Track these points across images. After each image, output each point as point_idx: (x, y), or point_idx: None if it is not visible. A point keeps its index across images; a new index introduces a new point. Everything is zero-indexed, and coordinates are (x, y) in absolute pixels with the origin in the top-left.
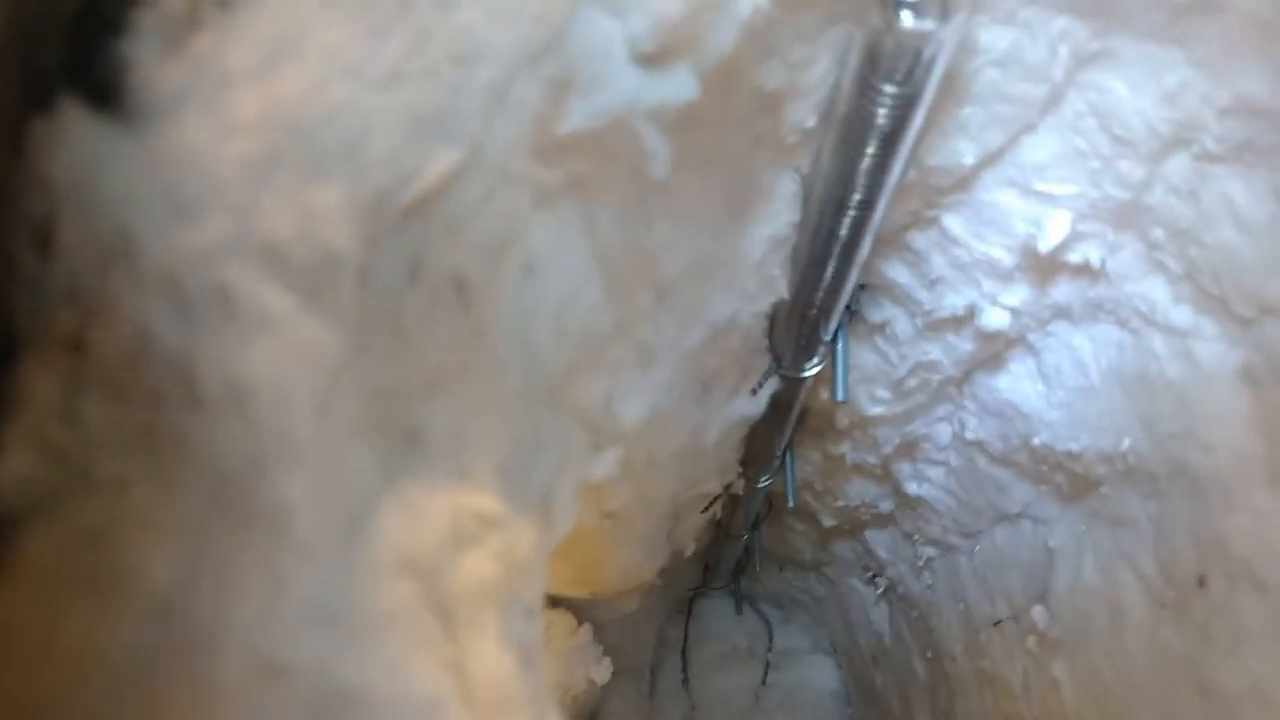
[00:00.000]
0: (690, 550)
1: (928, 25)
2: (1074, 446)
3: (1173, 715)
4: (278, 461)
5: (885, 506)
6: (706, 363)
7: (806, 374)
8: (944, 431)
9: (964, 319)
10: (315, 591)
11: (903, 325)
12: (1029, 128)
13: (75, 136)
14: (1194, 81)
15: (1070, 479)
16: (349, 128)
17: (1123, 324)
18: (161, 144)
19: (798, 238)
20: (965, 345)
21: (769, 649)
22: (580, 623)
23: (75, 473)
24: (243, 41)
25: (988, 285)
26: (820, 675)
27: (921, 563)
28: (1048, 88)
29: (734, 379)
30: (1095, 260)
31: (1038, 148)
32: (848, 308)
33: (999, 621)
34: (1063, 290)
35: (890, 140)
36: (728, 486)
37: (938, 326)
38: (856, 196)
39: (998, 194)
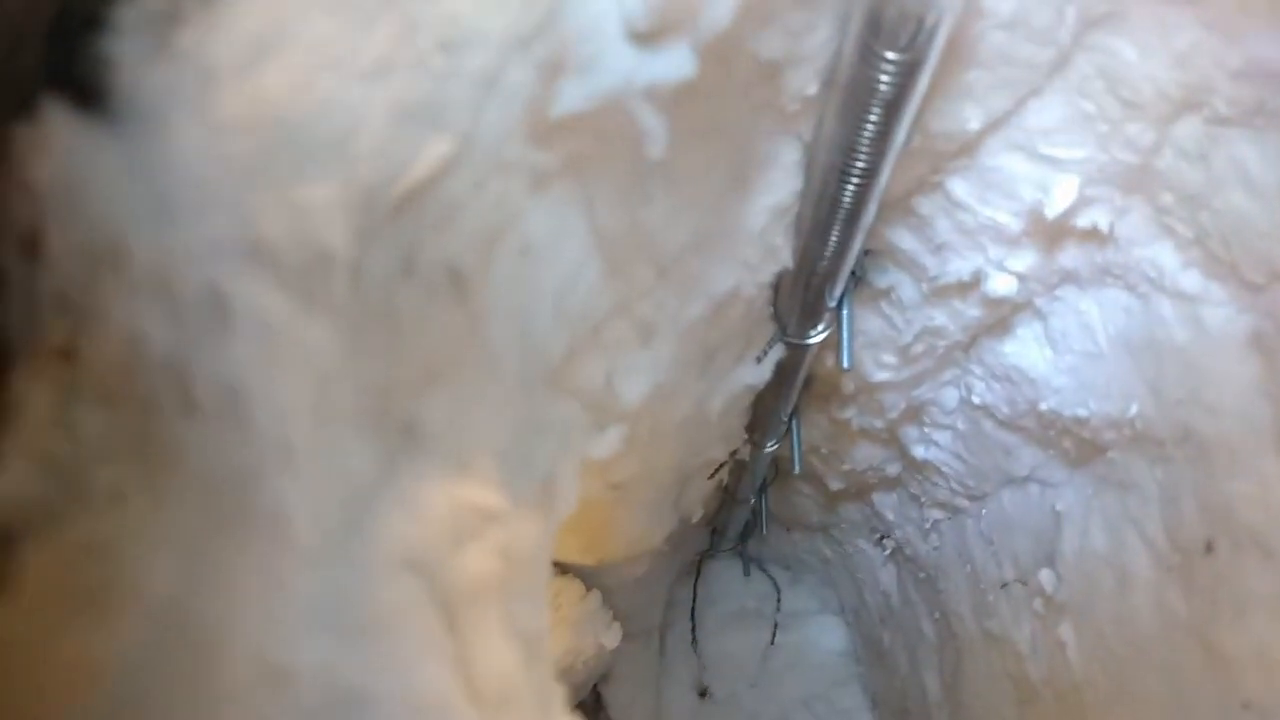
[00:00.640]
0: (697, 516)
1: None
2: (1081, 412)
3: (1177, 678)
4: (274, 465)
5: (892, 470)
6: (709, 335)
7: (811, 341)
8: (951, 396)
9: (970, 285)
10: (317, 593)
11: (908, 291)
12: (1035, 92)
13: (60, 140)
14: (1205, 43)
15: (1078, 444)
16: (338, 122)
17: (1131, 289)
18: (148, 145)
19: (800, 205)
20: (972, 311)
21: (777, 610)
22: (589, 589)
23: (72, 485)
24: (227, 36)
25: (994, 251)
26: (828, 635)
27: (929, 525)
28: (1054, 51)
29: (738, 348)
30: (1103, 225)
31: (1044, 112)
32: (853, 274)
33: (1006, 584)
34: (1070, 255)
35: (893, 107)
36: (734, 453)
37: (944, 292)
38: (860, 164)
39: (1004, 159)
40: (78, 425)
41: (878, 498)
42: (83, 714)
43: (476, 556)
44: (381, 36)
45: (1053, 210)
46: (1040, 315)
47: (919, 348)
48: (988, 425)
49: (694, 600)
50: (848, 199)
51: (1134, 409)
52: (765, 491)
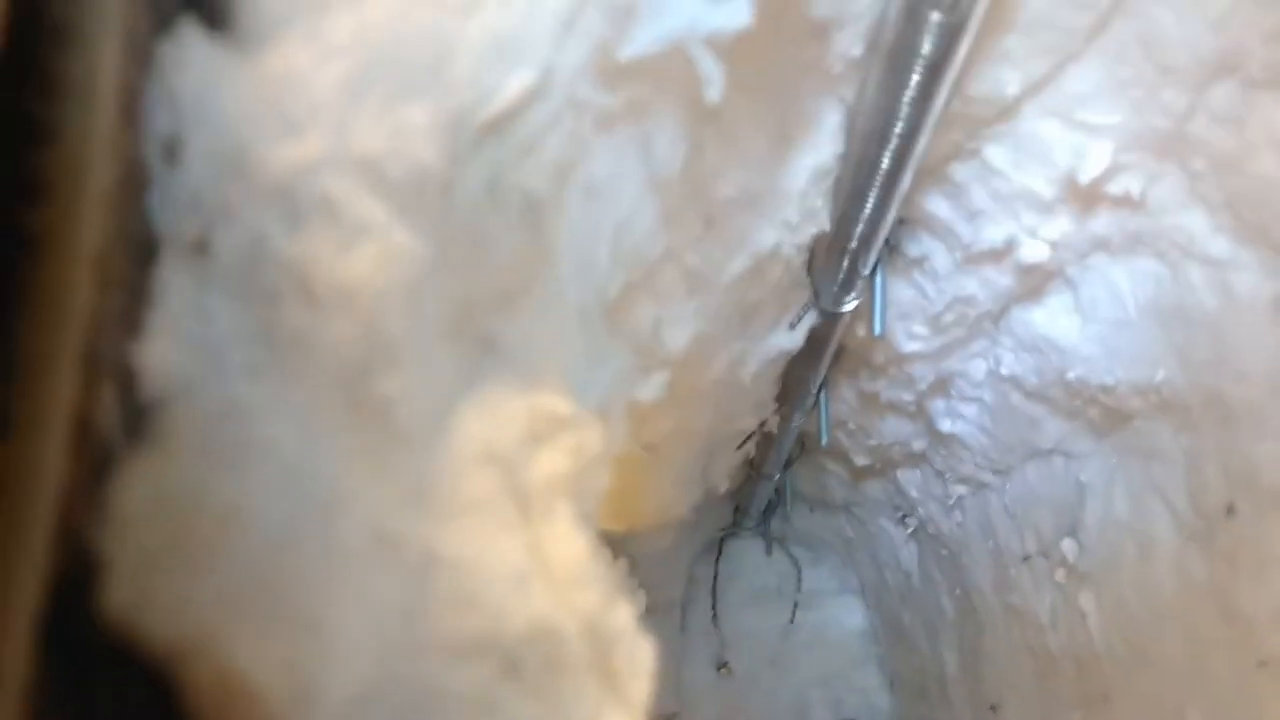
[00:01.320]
0: (723, 488)
1: None
2: (1109, 380)
3: (1196, 639)
4: (381, 357)
5: (918, 445)
6: (748, 293)
7: (844, 309)
8: (979, 367)
9: (1003, 252)
10: (414, 475)
11: (941, 259)
12: (1073, 57)
13: (195, 58)
14: (1241, 6)
15: (1104, 413)
16: (433, 50)
17: (1161, 256)
18: (267, 66)
19: (840, 170)
20: (1003, 279)
21: (797, 589)
22: (616, 557)
23: (210, 361)
24: None
25: (1027, 217)
26: (848, 614)
27: (952, 501)
28: (1093, 16)
29: (774, 311)
30: (1135, 191)
31: (1081, 77)
32: (886, 242)
33: (1028, 557)
34: (1102, 222)
35: (935, 70)
36: (762, 424)
37: (976, 260)
38: (899, 127)
39: (1040, 124)
40: (212, 310)
41: (902, 474)
42: (234, 555)
43: (550, 457)
44: None
45: (1086, 176)
46: (1071, 283)
47: (950, 317)
48: (1015, 397)
49: (715, 577)
50: (886, 163)
51: (1161, 375)
52: (790, 467)
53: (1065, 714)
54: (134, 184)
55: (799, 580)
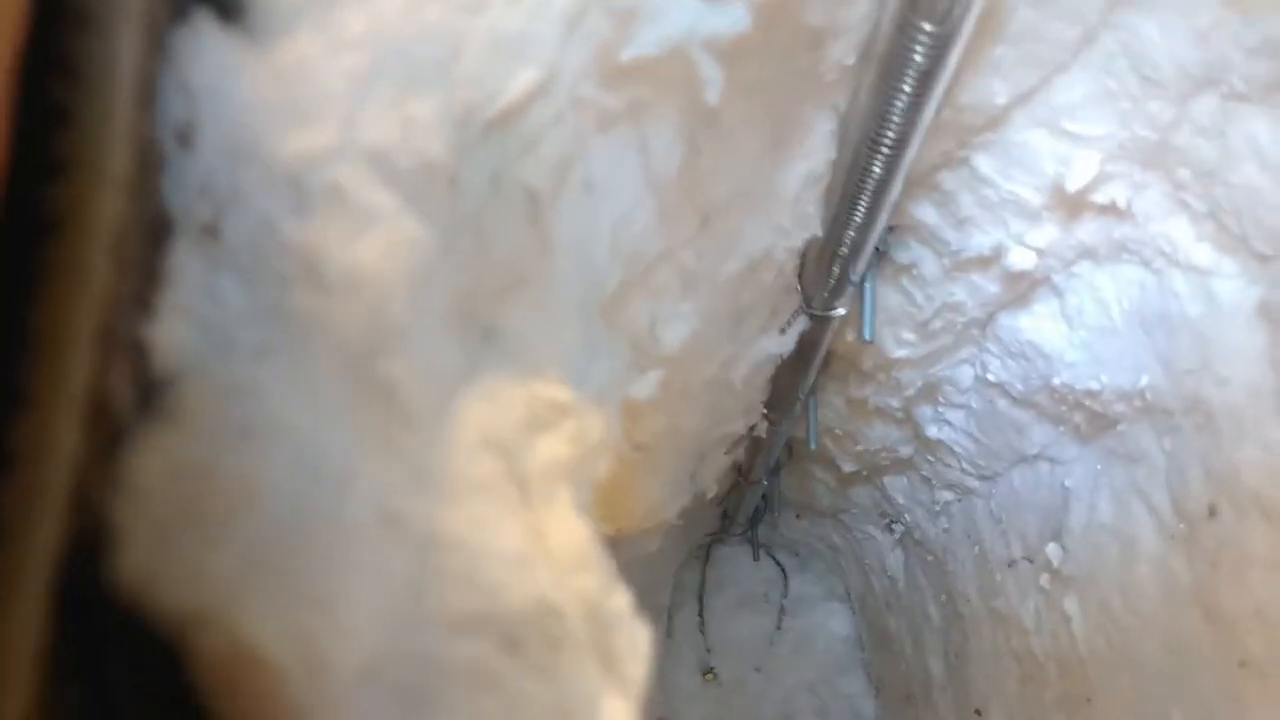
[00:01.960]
0: (712, 493)
1: None
2: (1094, 385)
3: (1177, 641)
4: (387, 341)
5: (905, 451)
6: (741, 295)
7: (834, 314)
8: (966, 374)
9: (990, 259)
10: (418, 457)
11: (930, 266)
12: (1061, 68)
13: (209, 47)
14: (1225, 21)
15: (1089, 418)
16: (441, 46)
17: (1145, 264)
18: (280, 57)
19: (831, 177)
20: (991, 286)
21: (784, 595)
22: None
23: (220, 340)
24: None
25: (1015, 225)
26: (834, 621)
27: (938, 507)
28: (1081, 28)
29: (765, 315)
30: (1121, 200)
31: (1069, 88)
32: (876, 249)
33: (1014, 562)
34: (1088, 230)
35: (927, 79)
36: (751, 428)
37: (964, 267)
38: (891, 135)
39: (1028, 134)
40: (223, 292)
41: (889, 480)
42: (246, 527)
43: (550, 444)
44: None
45: (1073, 185)
46: (1057, 291)
47: (938, 324)
48: (1001, 403)
49: (702, 583)
50: (877, 170)
51: (1144, 380)
52: (778, 473)
53: (1048, 717)
54: (149, 168)
55: (785, 586)
